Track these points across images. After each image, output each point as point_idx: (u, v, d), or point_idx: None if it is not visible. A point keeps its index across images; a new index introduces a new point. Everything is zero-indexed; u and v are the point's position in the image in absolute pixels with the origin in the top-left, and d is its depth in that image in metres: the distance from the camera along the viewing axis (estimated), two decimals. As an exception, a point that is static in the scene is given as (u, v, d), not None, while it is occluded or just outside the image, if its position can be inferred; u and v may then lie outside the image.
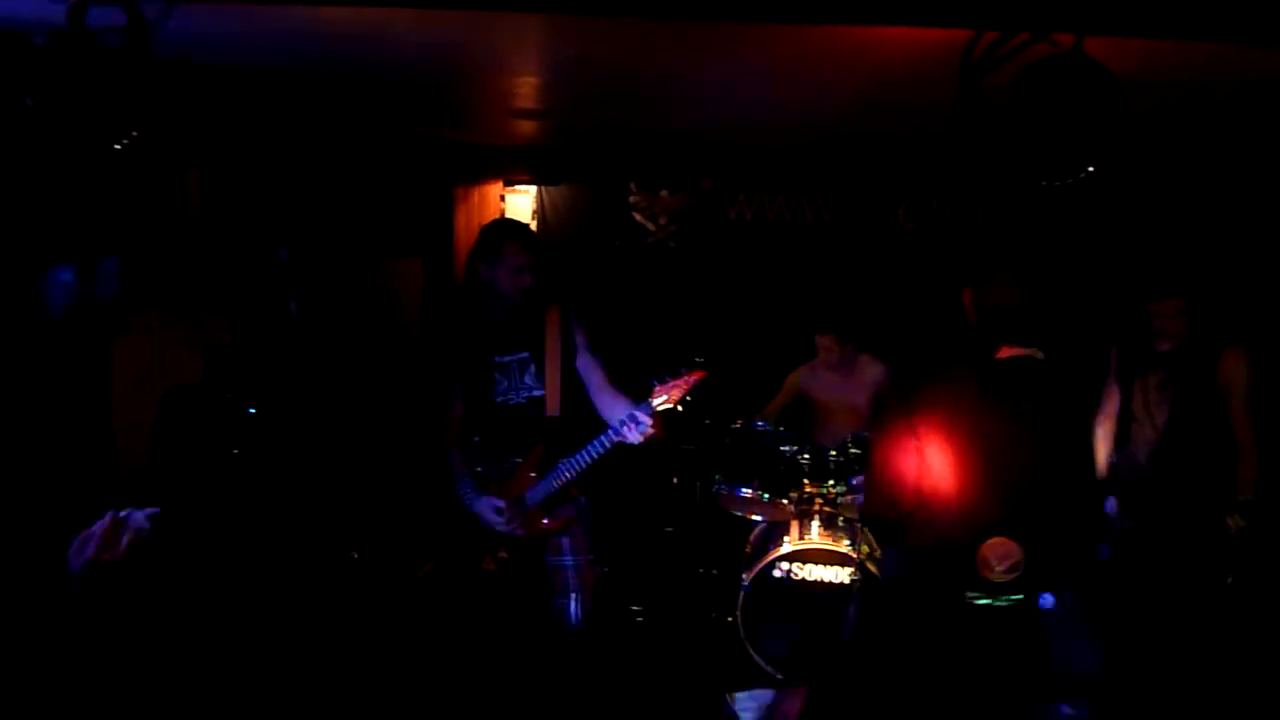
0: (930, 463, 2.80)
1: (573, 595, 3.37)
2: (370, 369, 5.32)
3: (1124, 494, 3.87)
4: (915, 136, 4.88)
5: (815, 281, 5.65)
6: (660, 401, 3.07)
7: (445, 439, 3.34)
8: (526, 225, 3.23)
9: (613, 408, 3.18)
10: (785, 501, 4.41)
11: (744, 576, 4.27)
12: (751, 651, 4.17)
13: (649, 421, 3.04)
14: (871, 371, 4.66)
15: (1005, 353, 2.83)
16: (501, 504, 3.22)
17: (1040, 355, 2.83)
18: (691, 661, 4.32)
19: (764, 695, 3.96)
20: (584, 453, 3.16)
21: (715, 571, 4.86)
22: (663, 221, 5.91)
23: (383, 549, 4.68)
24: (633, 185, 5.87)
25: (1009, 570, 2.74)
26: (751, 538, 4.57)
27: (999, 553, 2.72)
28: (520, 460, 3.28)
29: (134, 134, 2.26)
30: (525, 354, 3.28)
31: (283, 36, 3.24)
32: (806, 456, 4.43)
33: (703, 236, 5.86)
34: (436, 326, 3.47)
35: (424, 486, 3.59)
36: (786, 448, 4.56)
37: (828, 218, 5.79)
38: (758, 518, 4.59)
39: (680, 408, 3.13)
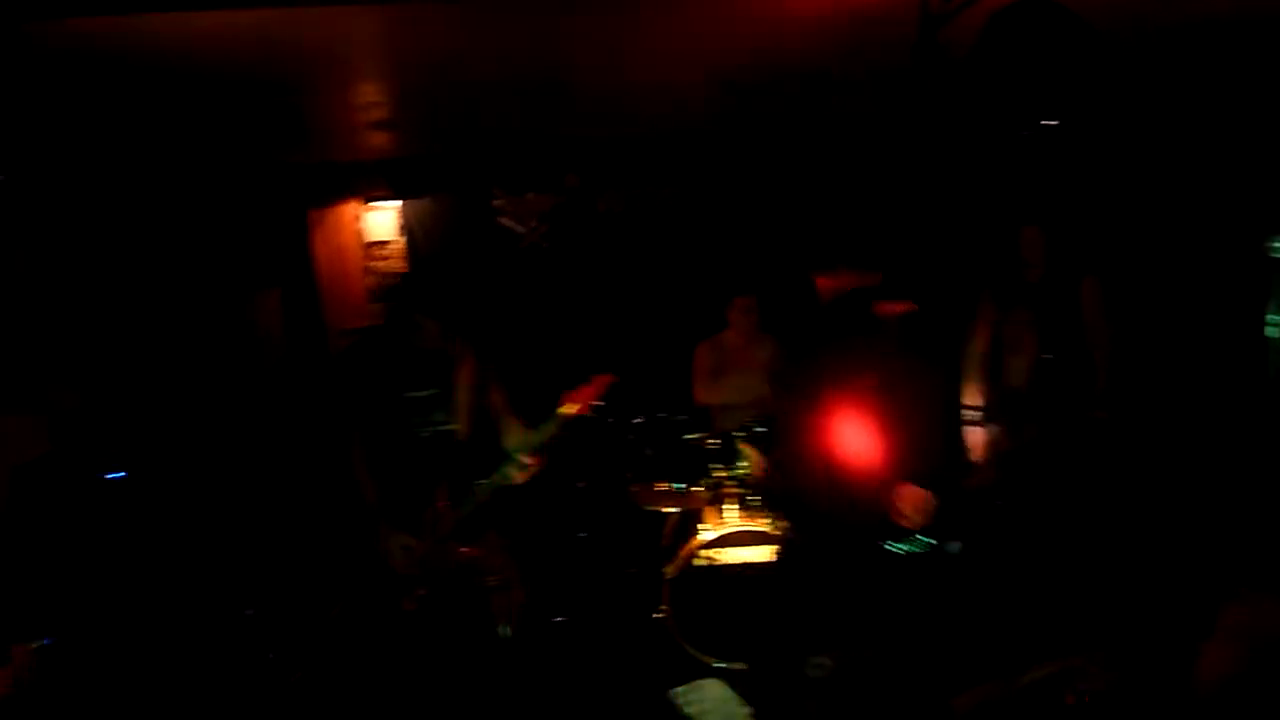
0: (842, 430, 2.85)
1: (500, 617, 3.26)
2: (242, 412, 5.00)
3: (1003, 420, 4.18)
4: (797, 110, 4.88)
5: (706, 257, 5.62)
6: (572, 410, 3.05)
7: (354, 476, 3.19)
8: (442, 284, 3.26)
9: (512, 439, 3.25)
10: (698, 489, 4.38)
11: (666, 570, 4.21)
12: (685, 644, 4.12)
13: (531, 462, 3.12)
14: (767, 350, 4.63)
15: (883, 309, 2.93)
16: (411, 543, 3.12)
17: (914, 307, 2.98)
18: (626, 664, 4.22)
19: (706, 685, 3.92)
20: (491, 479, 3.16)
21: (635, 570, 4.78)
22: (532, 224, 5.78)
23: (287, 602, 4.40)
24: (498, 190, 5.71)
25: (922, 516, 2.81)
26: (668, 530, 4.51)
27: (911, 500, 2.79)
28: (431, 492, 3.17)
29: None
30: (437, 390, 3.22)
31: (118, 59, 2.98)
32: (713, 441, 4.41)
33: (575, 234, 5.76)
34: (345, 360, 3.40)
35: (328, 532, 3.40)
36: (692, 435, 4.54)
37: (700, 200, 5.78)
38: (672, 509, 4.53)
39: (593, 414, 3.13)
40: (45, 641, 1.91)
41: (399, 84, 4.00)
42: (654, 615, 4.31)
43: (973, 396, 4.29)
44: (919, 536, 2.91)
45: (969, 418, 4.29)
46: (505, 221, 5.73)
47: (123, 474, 3.80)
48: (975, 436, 4.28)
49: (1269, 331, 3.10)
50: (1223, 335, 4.56)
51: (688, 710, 3.78)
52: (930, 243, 5.66)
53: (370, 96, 4.13)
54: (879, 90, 4.26)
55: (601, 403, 3.13)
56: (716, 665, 4.06)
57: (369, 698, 3.59)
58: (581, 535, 5.00)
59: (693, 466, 4.48)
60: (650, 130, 5.25)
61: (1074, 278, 4.05)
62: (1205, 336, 4.90)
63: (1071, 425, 4.05)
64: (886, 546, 2.91)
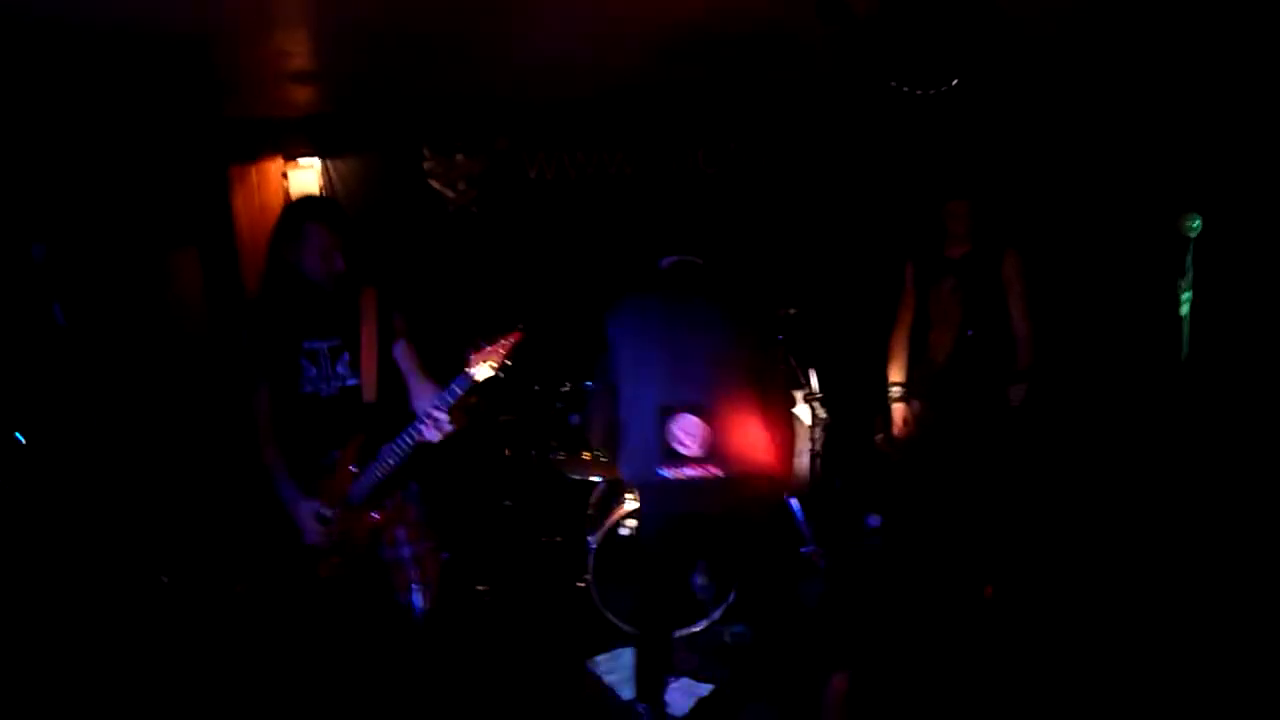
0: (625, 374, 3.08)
1: (415, 587, 3.16)
2: (156, 374, 4.83)
3: (925, 396, 4.24)
4: (717, 79, 4.85)
5: (636, 227, 5.54)
6: (479, 370, 2.89)
7: (259, 437, 3.03)
8: (334, 202, 2.89)
9: (423, 399, 2.99)
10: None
11: (590, 539, 4.20)
12: (606, 612, 4.12)
13: (446, 418, 2.89)
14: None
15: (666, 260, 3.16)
16: (324, 510, 2.97)
17: (699, 260, 3.14)
18: (548, 633, 4.22)
19: (625, 654, 3.93)
20: (401, 440, 2.96)
21: (560, 539, 4.77)
22: (461, 187, 5.66)
23: (202, 567, 4.29)
24: (426, 151, 5.57)
25: (696, 444, 2.92)
26: (593, 499, 4.50)
27: (685, 428, 2.94)
28: (338, 454, 3.02)
29: None
30: (337, 340, 3.01)
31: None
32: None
33: (505, 199, 5.66)
34: (240, 312, 3.11)
35: (241, 495, 3.27)
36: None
37: (629, 170, 5.72)
38: (597, 478, 4.52)
39: (503, 374, 2.99)
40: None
41: (322, 34, 3.85)
42: (577, 584, 4.31)
43: (896, 372, 4.34)
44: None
45: (892, 394, 4.34)
46: (434, 184, 5.60)
47: (21, 439, 3.63)
48: (898, 411, 4.34)
49: (1181, 310, 3.17)
50: (1140, 313, 4.67)
51: (608, 678, 3.80)
52: (856, 218, 5.71)
53: (292, 47, 3.98)
54: (782, 57, 4.26)
55: (510, 362, 2.94)
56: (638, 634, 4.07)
57: (286, 667, 3.53)
58: (506, 503, 4.96)
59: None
60: (580, 94, 5.17)
61: (996, 251, 4.09)
62: (1123, 314, 5.01)
63: (989, 402, 4.12)
64: (661, 474, 2.98)
